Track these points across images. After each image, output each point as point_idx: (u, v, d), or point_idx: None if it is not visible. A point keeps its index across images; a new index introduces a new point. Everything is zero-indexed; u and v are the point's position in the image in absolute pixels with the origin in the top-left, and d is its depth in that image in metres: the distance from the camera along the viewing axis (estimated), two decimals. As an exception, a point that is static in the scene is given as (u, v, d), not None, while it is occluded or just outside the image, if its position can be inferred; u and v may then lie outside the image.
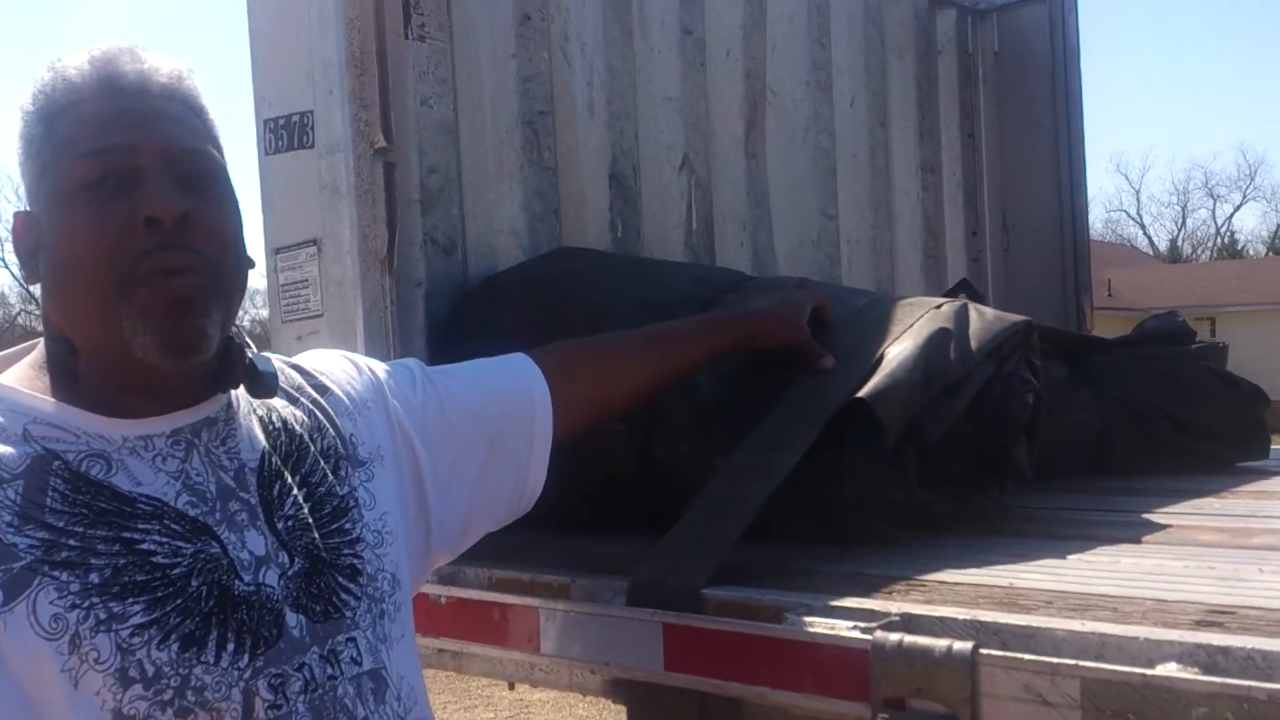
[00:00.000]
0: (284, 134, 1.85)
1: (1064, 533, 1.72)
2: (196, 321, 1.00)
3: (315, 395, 1.19)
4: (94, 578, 0.94)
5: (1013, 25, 3.69)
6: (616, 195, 2.51)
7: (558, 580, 1.58)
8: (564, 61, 2.44)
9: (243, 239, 1.09)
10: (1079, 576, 1.38)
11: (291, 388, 1.18)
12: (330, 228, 1.82)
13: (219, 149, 1.09)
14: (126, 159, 1.00)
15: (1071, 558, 1.50)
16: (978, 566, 1.46)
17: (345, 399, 1.20)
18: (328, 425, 1.17)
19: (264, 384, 1.10)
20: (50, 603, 0.91)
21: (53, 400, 1.01)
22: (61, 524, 0.94)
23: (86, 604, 0.92)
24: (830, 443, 1.62)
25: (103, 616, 0.93)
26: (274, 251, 1.90)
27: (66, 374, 1.04)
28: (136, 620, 0.94)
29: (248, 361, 1.10)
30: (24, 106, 1.05)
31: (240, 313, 1.13)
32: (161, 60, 1.06)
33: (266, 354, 1.17)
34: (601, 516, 1.92)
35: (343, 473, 1.15)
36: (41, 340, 1.07)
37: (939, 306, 1.89)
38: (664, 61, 2.65)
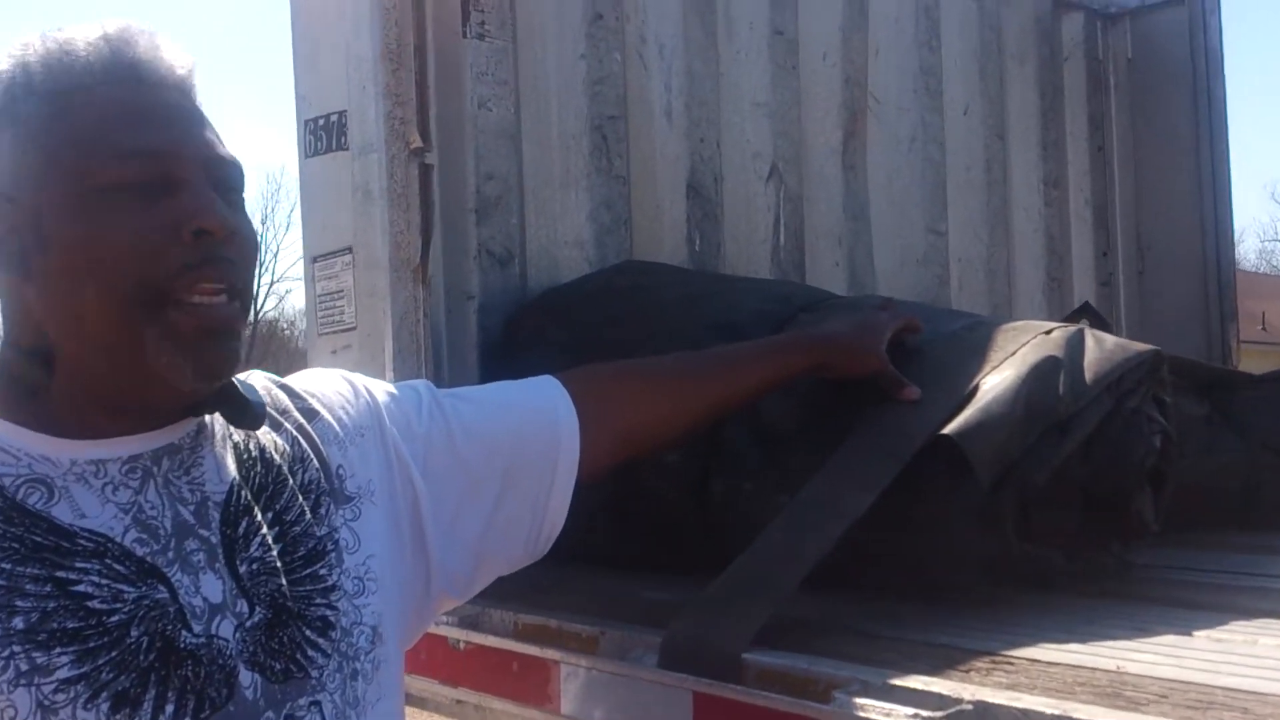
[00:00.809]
0: (322, 135, 1.72)
1: (1193, 600, 1.45)
2: (233, 345, 0.91)
3: (301, 420, 1.04)
4: (17, 622, 0.81)
5: (1147, 30, 3.37)
6: (695, 206, 2.32)
7: (586, 631, 1.38)
8: (639, 64, 2.27)
9: None
10: (1205, 661, 1.12)
11: (276, 411, 1.03)
12: (363, 234, 1.68)
13: None
14: (168, 163, 0.89)
15: (1199, 634, 1.24)
16: (1081, 641, 1.21)
17: (335, 425, 1.05)
18: (311, 456, 1.02)
19: (252, 414, 0.97)
20: None
21: None
22: None
23: (6, 653, 0.80)
24: (912, 484, 1.39)
25: (24, 668, 0.80)
26: (312, 260, 1.77)
27: (20, 388, 0.91)
28: (63, 674, 0.81)
29: (235, 389, 0.96)
30: (4, 75, 0.91)
31: None
32: (174, 49, 0.95)
33: (252, 373, 1.05)
34: (655, 557, 1.73)
35: (324, 510, 0.99)
36: None
37: (1049, 332, 1.63)
38: (752, 64, 2.46)
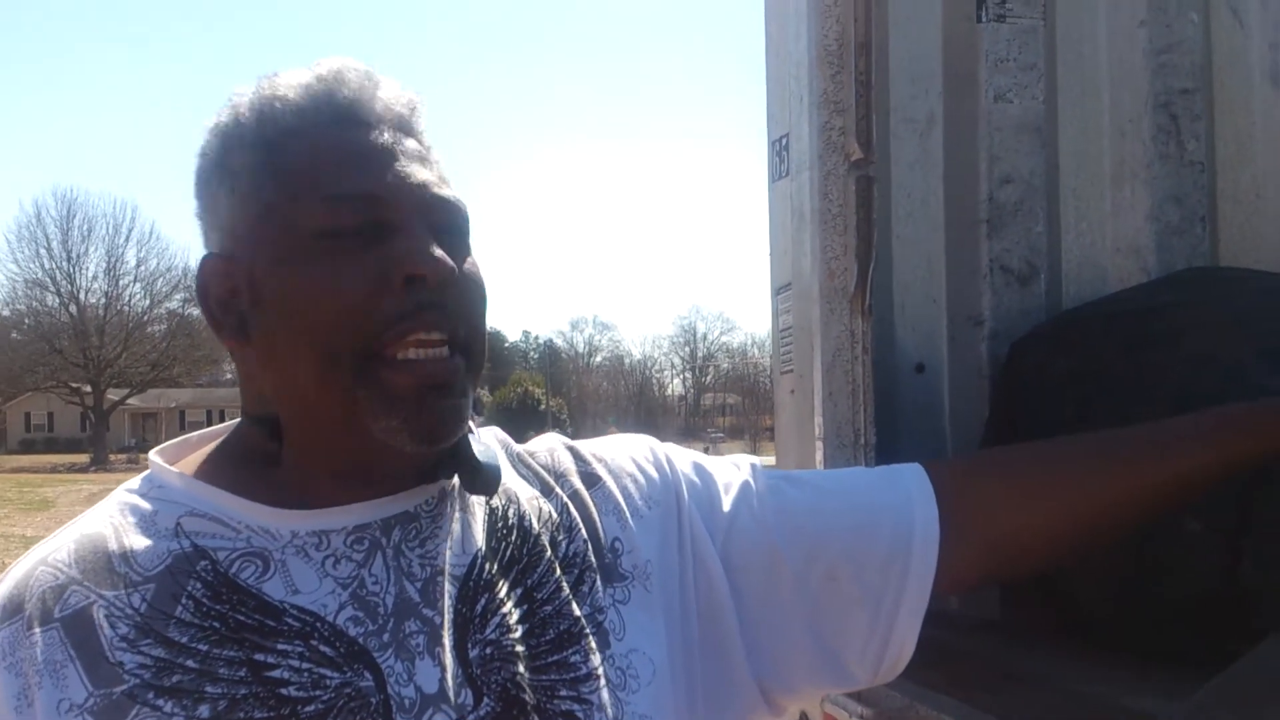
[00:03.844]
0: (784, 155, 1.62)
1: None
2: (454, 403, 0.83)
3: (578, 486, 0.94)
4: (203, 711, 0.75)
5: None
6: (1311, 193, 1.79)
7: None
8: (1230, 20, 1.82)
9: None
10: None
11: (552, 474, 0.95)
12: (797, 262, 1.54)
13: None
14: (380, 206, 0.83)
15: None
16: None
17: (618, 494, 0.94)
18: (580, 525, 0.91)
19: (484, 479, 0.88)
20: None
21: (221, 490, 0.85)
22: (185, 639, 0.77)
23: None
24: None
25: None
26: (775, 293, 1.68)
27: (255, 459, 0.88)
28: None
29: (469, 451, 0.88)
30: (222, 128, 0.88)
31: None
32: (393, 85, 0.89)
33: (487, 429, 0.96)
34: (1165, 648, 1.35)
35: (587, 588, 0.88)
36: (237, 423, 0.93)
37: None
38: None
